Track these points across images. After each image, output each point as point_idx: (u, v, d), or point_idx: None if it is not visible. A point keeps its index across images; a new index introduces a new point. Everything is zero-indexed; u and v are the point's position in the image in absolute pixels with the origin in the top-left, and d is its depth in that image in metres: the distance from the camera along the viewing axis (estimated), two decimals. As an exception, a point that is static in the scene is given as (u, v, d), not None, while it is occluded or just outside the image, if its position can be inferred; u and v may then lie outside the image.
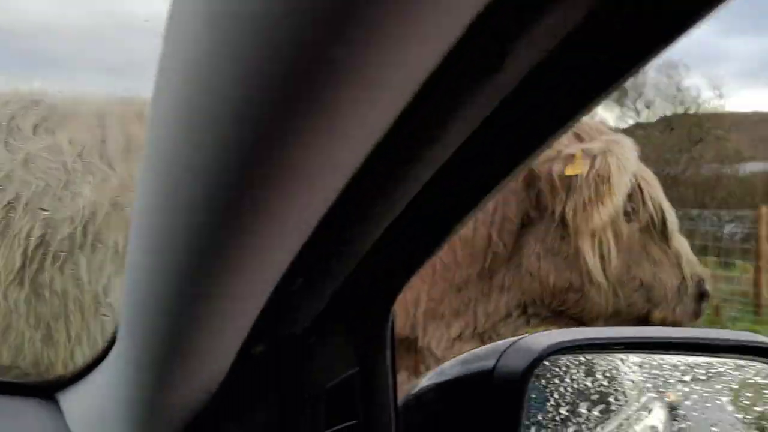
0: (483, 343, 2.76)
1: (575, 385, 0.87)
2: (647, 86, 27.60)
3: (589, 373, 0.88)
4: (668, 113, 27.06)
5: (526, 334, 0.89)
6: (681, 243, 2.81)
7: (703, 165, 23.26)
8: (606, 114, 29.14)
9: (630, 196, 2.63)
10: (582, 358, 0.88)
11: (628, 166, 2.55)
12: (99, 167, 2.39)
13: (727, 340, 0.98)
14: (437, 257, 2.64)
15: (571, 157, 2.57)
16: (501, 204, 2.61)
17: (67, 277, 2.29)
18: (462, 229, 2.62)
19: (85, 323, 2.29)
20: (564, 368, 0.87)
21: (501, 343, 0.89)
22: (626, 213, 2.66)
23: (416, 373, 2.78)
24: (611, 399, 0.87)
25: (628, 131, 27.22)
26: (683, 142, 23.89)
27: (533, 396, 0.86)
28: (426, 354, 2.74)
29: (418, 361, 2.76)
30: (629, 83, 28.26)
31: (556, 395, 0.87)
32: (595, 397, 0.87)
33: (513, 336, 3.02)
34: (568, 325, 2.81)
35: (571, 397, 0.87)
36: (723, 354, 0.95)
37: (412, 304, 2.67)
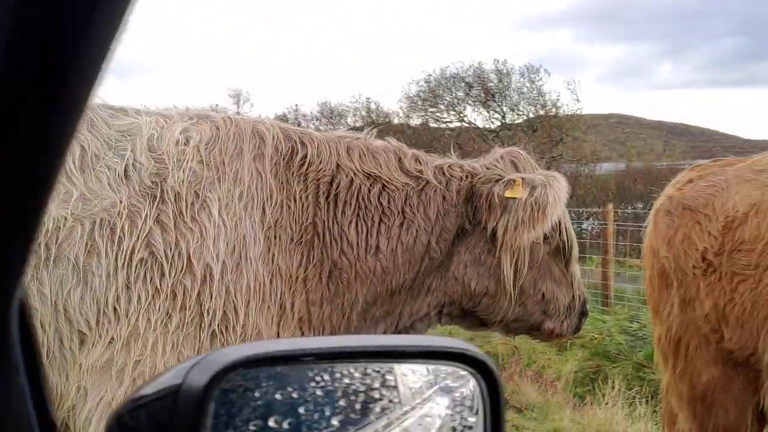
0: None
1: (266, 399, 0.84)
2: (512, 90, 28.90)
3: (281, 386, 0.85)
4: (531, 115, 28.43)
5: (218, 349, 0.84)
6: (576, 268, 3.25)
7: (563, 164, 24.60)
8: (474, 115, 30.25)
9: None
10: (274, 371, 0.84)
11: (562, 200, 2.93)
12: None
13: (420, 345, 0.97)
14: (378, 262, 2.79)
15: (512, 182, 2.91)
16: (442, 215, 2.89)
17: (33, 293, 2.28)
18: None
19: (46, 337, 2.30)
20: (255, 382, 0.84)
21: (192, 360, 0.84)
22: (545, 236, 3.04)
23: None
24: (301, 410, 0.85)
25: (495, 132, 28.37)
26: (545, 143, 25.18)
27: (222, 413, 0.82)
28: None
29: None
30: (496, 86, 29.47)
31: (246, 410, 0.83)
32: (285, 409, 0.84)
33: (427, 331, 3.02)
34: (472, 323, 3.21)
35: (261, 411, 0.83)
36: (416, 360, 0.95)
37: (348, 305, 2.83)
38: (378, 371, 0.89)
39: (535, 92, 28.41)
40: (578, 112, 27.95)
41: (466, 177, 2.98)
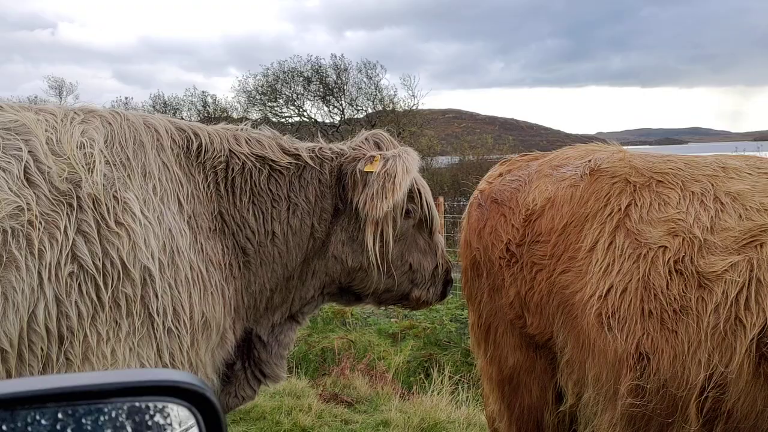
0: (295, 323, 3.27)
1: None
2: (350, 85, 29.25)
3: None
4: (370, 110, 28.95)
5: None
6: (439, 238, 3.52)
7: (401, 159, 25.22)
8: (314, 110, 30.26)
9: (412, 198, 3.28)
10: None
11: (411, 169, 3.10)
12: None
13: (121, 381, 0.85)
14: (276, 247, 2.93)
15: (371, 158, 3.11)
16: (320, 197, 3.07)
17: None
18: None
19: None
20: None
21: None
22: (407, 211, 3.27)
23: (250, 359, 3.08)
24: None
25: (335, 127, 28.58)
26: (383, 138, 25.69)
27: None
28: (255, 341, 3.06)
29: (250, 348, 3.06)
30: (334, 81, 29.69)
31: None
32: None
33: (314, 313, 3.12)
34: (349, 299, 3.41)
35: None
36: (117, 398, 0.82)
37: (259, 293, 2.95)
38: (72, 415, 0.78)
39: (372, 88, 28.97)
40: (414, 107, 28.84)
41: (336, 158, 3.17)
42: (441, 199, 11.45)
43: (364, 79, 28.99)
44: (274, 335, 3.14)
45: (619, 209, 3.08)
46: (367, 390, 6.58)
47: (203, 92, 32.56)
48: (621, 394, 2.86)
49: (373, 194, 3.01)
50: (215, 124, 3.21)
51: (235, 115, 29.50)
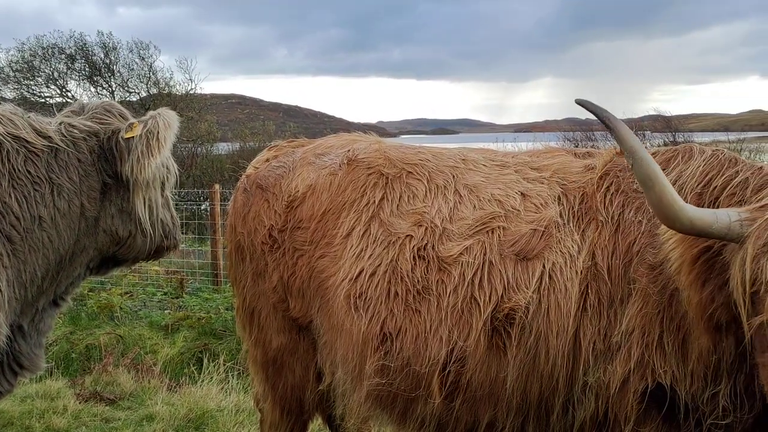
0: (57, 307, 3.20)
1: None
2: (120, 65, 27.60)
3: None
4: (144, 93, 27.56)
5: None
6: (168, 191, 3.57)
7: (178, 144, 24.42)
8: (80, 91, 28.07)
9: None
10: None
11: (172, 125, 3.17)
12: None
13: None
14: (44, 232, 2.82)
15: (131, 125, 3.11)
16: (84, 176, 3.01)
17: None
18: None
19: None
20: None
21: None
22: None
23: (9, 353, 2.92)
24: None
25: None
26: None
27: None
28: (15, 332, 2.92)
29: (10, 341, 2.90)
30: (102, 60, 27.64)
31: None
32: None
33: (76, 292, 3.01)
34: (108, 268, 3.41)
35: None
36: None
37: (29, 281, 2.83)
38: None
39: (146, 69, 27.62)
40: (192, 91, 27.95)
41: (89, 137, 3.09)
42: (217, 186, 11.16)
43: (137, 60, 27.55)
44: (34, 324, 3.02)
45: (374, 202, 3.26)
46: (132, 385, 6.30)
47: (-61, 67, 28.69)
48: (368, 375, 3.04)
49: (138, 156, 3.03)
50: None
51: (-18, 93, 26.50)
